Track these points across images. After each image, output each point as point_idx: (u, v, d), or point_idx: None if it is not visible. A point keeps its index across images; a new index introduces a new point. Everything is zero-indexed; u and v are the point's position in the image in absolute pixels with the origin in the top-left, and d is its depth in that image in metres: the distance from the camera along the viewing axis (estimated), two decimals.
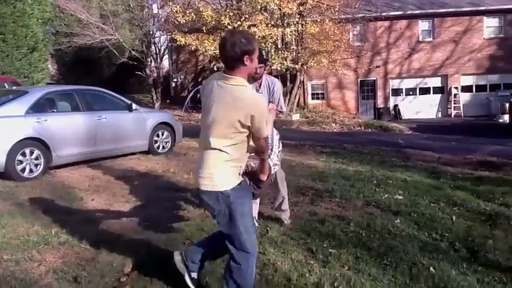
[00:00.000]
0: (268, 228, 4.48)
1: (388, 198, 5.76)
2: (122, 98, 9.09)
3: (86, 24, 20.48)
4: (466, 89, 25.20)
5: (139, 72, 23.04)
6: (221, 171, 2.71)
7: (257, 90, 4.32)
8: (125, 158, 8.61)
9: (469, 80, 25.17)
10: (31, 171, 6.95)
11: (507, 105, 18.75)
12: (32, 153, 6.98)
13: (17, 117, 6.98)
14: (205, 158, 2.74)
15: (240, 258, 2.82)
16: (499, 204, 5.59)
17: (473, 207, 5.40)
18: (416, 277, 3.42)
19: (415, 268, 3.57)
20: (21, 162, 6.83)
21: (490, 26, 24.86)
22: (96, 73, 24.93)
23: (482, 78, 25.05)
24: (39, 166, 7.06)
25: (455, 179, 7.08)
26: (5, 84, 11.39)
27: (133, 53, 21.63)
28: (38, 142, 7.08)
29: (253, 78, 4.24)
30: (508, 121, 18.34)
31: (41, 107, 7.42)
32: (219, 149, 2.69)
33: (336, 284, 3.30)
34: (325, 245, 4.07)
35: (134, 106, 8.86)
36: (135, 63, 21.89)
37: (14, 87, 10.26)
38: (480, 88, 25.12)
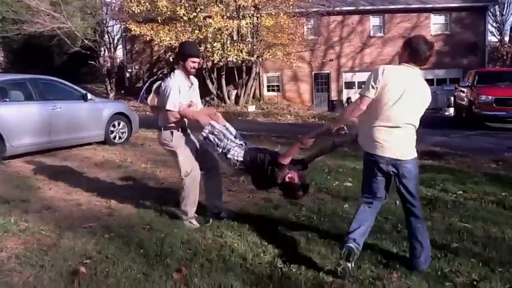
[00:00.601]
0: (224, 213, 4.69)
1: (338, 185, 6.10)
2: (77, 87, 9.02)
3: (36, 11, 19.84)
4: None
5: (92, 62, 22.60)
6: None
7: (190, 87, 4.45)
8: (80, 149, 8.58)
9: None
10: None
11: (452, 98, 19.78)
12: None
13: None
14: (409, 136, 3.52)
15: (420, 212, 3.55)
16: (439, 190, 6.03)
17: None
18: (361, 254, 3.72)
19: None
20: None
21: (436, 23, 26.02)
22: (47, 62, 24.21)
23: (430, 72, 26.15)
24: None
25: None
26: None
27: (86, 42, 21.20)
28: None
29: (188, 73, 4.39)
30: (452, 114, 19.35)
31: None
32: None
33: (288, 262, 3.56)
34: (279, 228, 4.33)
35: (89, 96, 8.82)
36: (88, 52, 21.47)
37: None
38: (428, 82, 25.49)
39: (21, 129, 7.43)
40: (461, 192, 5.86)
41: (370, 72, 3.43)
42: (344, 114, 3.60)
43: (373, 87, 3.30)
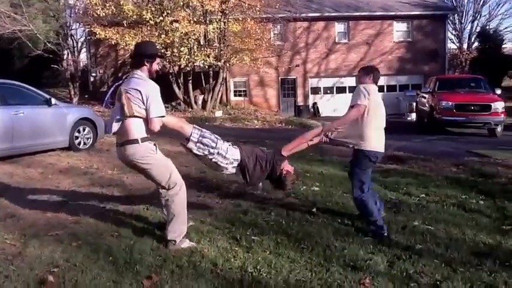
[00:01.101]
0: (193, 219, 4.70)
1: (306, 190, 6.19)
2: (40, 92, 8.82)
3: None
4: (379, 88, 26.55)
5: (55, 66, 22.09)
6: None
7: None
8: (44, 155, 8.39)
9: (381, 81, 26.36)
10: None
11: (414, 104, 20.34)
12: None
13: None
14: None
15: None
16: (403, 193, 6.22)
17: (380, 196, 5.96)
18: (330, 257, 3.81)
19: (329, 250, 3.97)
20: None
21: (399, 30, 26.75)
22: (7, 65, 23.42)
23: (393, 78, 26.86)
24: None
25: None
26: None
27: (49, 45, 20.69)
28: None
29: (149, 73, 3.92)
30: (415, 119, 19.90)
31: None
32: None
33: (258, 266, 3.60)
34: (248, 233, 4.36)
35: (53, 101, 8.64)
36: (51, 55, 20.97)
37: None
38: (391, 88, 26.89)
39: None
40: (424, 195, 6.06)
41: (359, 88, 4.51)
42: (344, 119, 4.59)
43: (367, 98, 4.42)
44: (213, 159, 4.19)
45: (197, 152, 4.16)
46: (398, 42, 26.59)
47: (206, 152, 4.13)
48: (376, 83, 4.77)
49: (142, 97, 3.69)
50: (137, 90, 3.71)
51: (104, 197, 5.73)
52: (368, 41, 26.37)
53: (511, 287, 3.40)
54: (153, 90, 3.75)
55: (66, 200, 5.54)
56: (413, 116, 20.54)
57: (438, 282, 3.42)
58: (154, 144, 3.90)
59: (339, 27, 26.57)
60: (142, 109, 3.72)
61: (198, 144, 4.10)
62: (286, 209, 5.22)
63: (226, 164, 4.24)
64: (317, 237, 4.29)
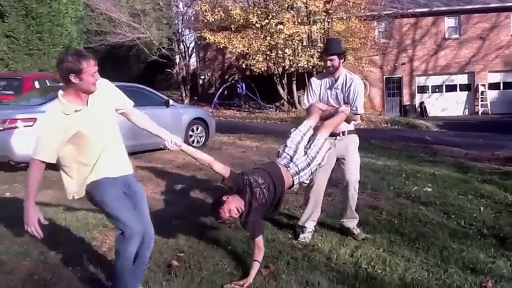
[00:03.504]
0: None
1: (417, 190, 6.04)
2: (159, 94, 9.54)
3: (118, 23, 21.11)
4: (494, 86, 25.00)
5: (168, 70, 23.61)
6: None
7: (331, 86, 4.14)
8: (162, 152, 9.03)
9: (496, 77, 24.98)
10: None
11: None
12: None
13: None
14: None
15: None
16: None
17: (500, 199, 5.64)
18: (447, 259, 3.72)
19: (446, 251, 3.87)
20: None
21: None
22: (125, 71, 25.58)
23: (510, 75, 24.80)
24: None
25: (483, 174, 7.28)
26: (46, 81, 12.01)
27: (163, 51, 22.20)
28: None
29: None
30: None
31: None
32: None
33: (372, 263, 3.63)
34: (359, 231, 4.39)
35: (171, 102, 9.30)
36: (164, 60, 22.48)
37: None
38: (508, 85, 24.87)
39: None
40: None
41: None
42: None
43: None
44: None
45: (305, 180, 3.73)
46: None
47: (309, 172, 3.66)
48: None
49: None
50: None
51: (219, 191, 6.07)
52: (482, 35, 24.61)
53: None
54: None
55: (186, 192, 5.96)
56: None
57: None
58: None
59: (448, 21, 25.12)
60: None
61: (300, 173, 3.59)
62: (397, 209, 5.14)
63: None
64: (432, 238, 4.19)
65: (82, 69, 2.63)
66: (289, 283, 3.30)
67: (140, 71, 26.89)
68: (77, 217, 4.78)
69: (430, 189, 6.10)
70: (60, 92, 2.76)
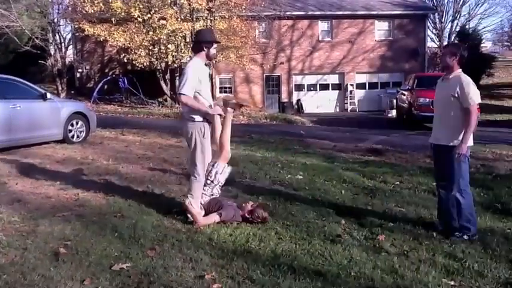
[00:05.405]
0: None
1: (290, 178, 6.70)
2: (36, 87, 9.15)
3: None
4: (361, 86, 27.62)
5: (42, 62, 22.21)
6: None
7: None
8: (39, 147, 8.73)
9: (363, 78, 27.60)
10: None
11: (394, 101, 21.03)
12: None
13: None
14: None
15: None
16: (379, 181, 6.75)
17: (359, 184, 6.50)
18: (312, 233, 4.32)
19: (311, 227, 4.48)
20: None
21: (380, 29, 27.43)
22: None
23: (374, 76, 27.60)
24: None
25: (347, 163, 8.23)
26: None
27: (37, 41, 20.82)
28: None
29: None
30: (395, 115, 20.59)
31: None
32: None
33: (249, 240, 4.08)
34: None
35: (48, 95, 8.98)
36: (39, 51, 21.10)
37: None
38: (372, 85, 27.64)
39: None
40: (398, 182, 6.61)
41: (469, 83, 4.21)
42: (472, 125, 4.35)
43: None
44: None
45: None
46: (379, 41, 27.27)
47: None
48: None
49: None
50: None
51: (103, 184, 6.14)
52: (351, 40, 26.99)
53: (468, 254, 3.93)
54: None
55: (68, 187, 5.92)
56: (394, 112, 21.22)
57: (405, 252, 3.94)
58: None
59: (322, 25, 27.14)
60: None
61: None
62: (272, 194, 5.70)
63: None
64: (300, 217, 4.79)
65: None
66: (174, 260, 3.61)
67: (9, 61, 24.83)
68: None
69: (301, 177, 6.80)
70: None
